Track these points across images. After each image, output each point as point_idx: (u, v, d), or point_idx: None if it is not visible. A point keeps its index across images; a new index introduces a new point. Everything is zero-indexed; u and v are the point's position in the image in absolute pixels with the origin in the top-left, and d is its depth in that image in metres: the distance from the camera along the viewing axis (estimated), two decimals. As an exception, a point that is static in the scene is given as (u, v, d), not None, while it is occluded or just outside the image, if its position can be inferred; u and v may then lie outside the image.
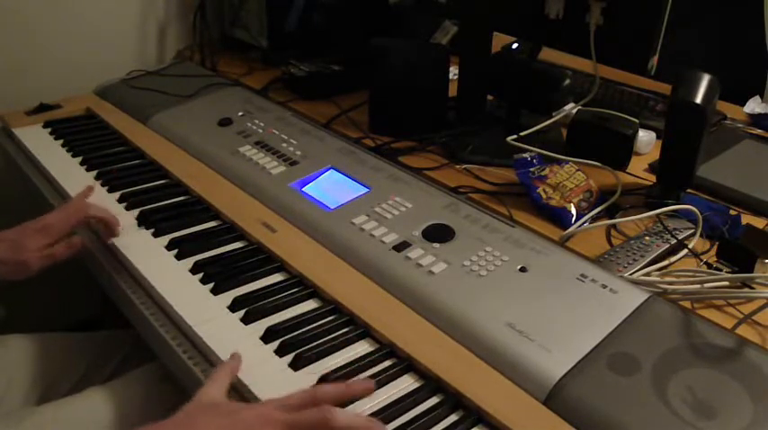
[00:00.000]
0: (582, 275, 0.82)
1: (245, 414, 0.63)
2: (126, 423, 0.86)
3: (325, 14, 1.52)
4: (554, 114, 1.21)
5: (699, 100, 0.96)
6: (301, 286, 0.87)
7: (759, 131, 1.32)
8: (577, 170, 1.06)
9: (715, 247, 0.92)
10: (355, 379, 0.71)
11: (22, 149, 1.24)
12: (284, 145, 1.15)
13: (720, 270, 0.89)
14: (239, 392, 0.72)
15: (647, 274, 0.88)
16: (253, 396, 0.70)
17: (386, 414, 0.68)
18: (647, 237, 0.94)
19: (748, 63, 1.60)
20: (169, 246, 0.94)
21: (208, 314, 0.82)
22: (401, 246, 0.89)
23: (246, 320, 0.81)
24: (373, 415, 0.68)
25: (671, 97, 0.99)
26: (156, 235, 0.97)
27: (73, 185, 1.09)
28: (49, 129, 1.29)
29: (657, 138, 1.21)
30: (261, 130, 1.21)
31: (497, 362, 0.73)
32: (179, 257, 0.92)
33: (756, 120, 1.35)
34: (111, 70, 1.49)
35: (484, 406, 0.68)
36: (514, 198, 1.05)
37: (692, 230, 0.96)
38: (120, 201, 1.06)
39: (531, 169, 1.05)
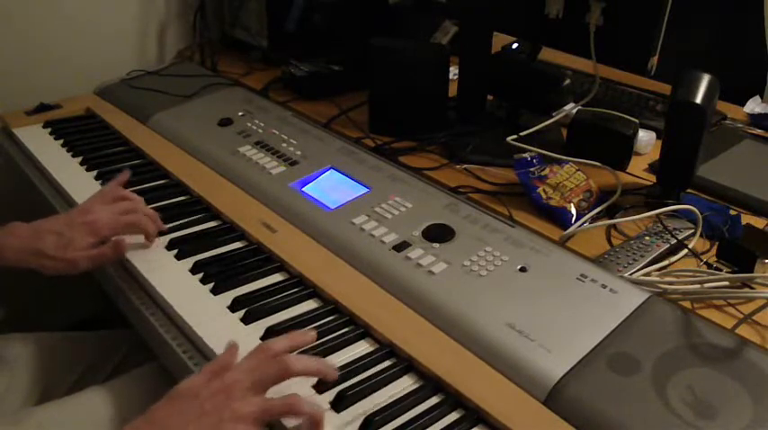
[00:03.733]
0: (582, 275, 0.82)
1: (207, 393, 0.63)
2: (125, 422, 0.85)
3: (325, 14, 1.52)
4: (554, 114, 1.21)
5: (699, 100, 0.96)
6: (301, 286, 0.87)
7: (759, 131, 1.32)
8: (577, 170, 1.06)
9: (715, 247, 0.92)
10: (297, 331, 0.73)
11: (22, 149, 1.24)
12: (284, 145, 1.15)
13: (720, 270, 0.89)
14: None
15: (647, 274, 0.88)
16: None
17: (386, 414, 0.68)
18: (647, 237, 0.94)
19: (748, 63, 1.60)
20: (169, 247, 0.94)
21: (208, 314, 0.82)
22: (401, 246, 0.89)
23: (246, 320, 0.81)
24: (373, 414, 0.68)
25: (671, 97, 0.99)
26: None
27: (73, 185, 1.09)
28: (49, 129, 1.29)
29: (657, 138, 1.21)
30: (261, 130, 1.21)
31: (497, 362, 0.73)
32: (179, 257, 0.92)
33: (756, 120, 1.35)
34: (111, 70, 1.49)
35: (484, 406, 0.68)
36: (514, 198, 1.05)
37: (692, 230, 0.96)
38: (120, 201, 1.06)
39: (531, 169, 1.05)
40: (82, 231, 0.87)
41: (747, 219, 1.00)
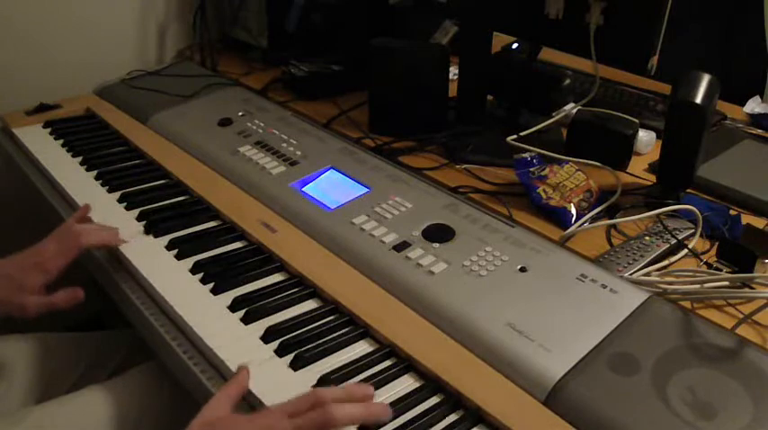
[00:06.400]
0: (582, 275, 0.82)
1: (246, 428, 0.62)
2: (125, 421, 0.86)
3: (325, 14, 1.52)
4: (554, 114, 1.21)
5: (699, 100, 0.96)
6: (301, 286, 0.87)
7: (759, 131, 1.32)
8: (577, 170, 1.06)
9: (715, 247, 0.92)
10: (355, 383, 0.72)
11: (22, 149, 1.24)
12: (284, 145, 1.15)
13: (720, 270, 0.89)
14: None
15: (647, 274, 0.88)
16: (253, 396, 0.70)
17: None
18: (647, 237, 0.94)
19: (748, 63, 1.60)
20: (169, 246, 0.94)
21: (208, 314, 0.82)
22: (401, 246, 0.89)
23: (246, 320, 0.81)
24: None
25: (671, 97, 0.99)
26: (156, 235, 0.97)
27: (73, 185, 1.10)
28: (49, 129, 1.29)
29: (657, 138, 1.21)
30: (261, 130, 1.21)
31: (497, 362, 0.73)
32: (179, 257, 0.92)
33: (756, 120, 1.35)
34: (111, 70, 1.49)
35: (484, 405, 0.68)
36: (514, 198, 1.05)
37: (692, 230, 0.96)
38: (120, 201, 1.06)
39: (531, 169, 1.05)
40: (33, 273, 0.86)
41: (747, 219, 1.00)
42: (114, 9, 1.50)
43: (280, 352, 0.76)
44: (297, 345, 0.77)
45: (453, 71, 1.35)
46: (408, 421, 0.68)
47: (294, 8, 1.50)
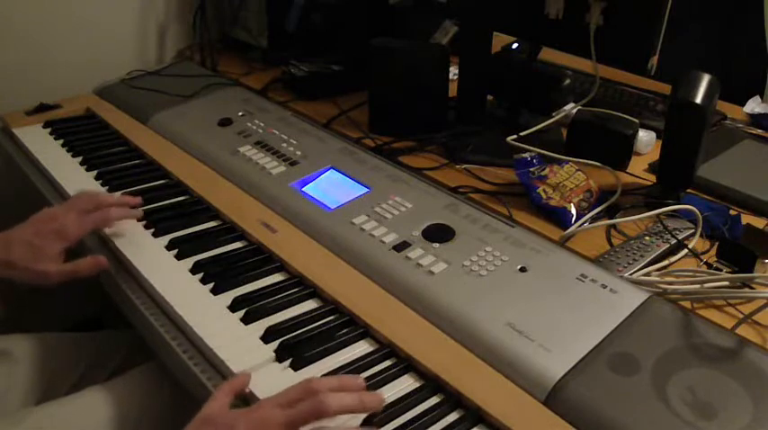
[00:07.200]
0: (582, 275, 0.82)
1: (241, 422, 0.62)
2: (125, 422, 0.86)
3: (325, 14, 1.52)
4: (554, 114, 1.21)
5: (699, 100, 0.96)
6: (301, 286, 0.87)
7: (759, 131, 1.32)
8: (577, 170, 1.06)
9: (715, 247, 0.92)
10: (348, 375, 0.72)
11: (22, 149, 1.24)
12: (284, 145, 1.16)
13: (720, 270, 0.89)
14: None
15: (647, 274, 0.88)
16: (253, 396, 0.70)
17: (386, 414, 0.68)
18: (647, 237, 0.94)
19: (748, 63, 1.60)
20: (169, 246, 0.94)
21: (208, 314, 0.82)
22: (401, 246, 0.89)
23: (246, 320, 0.81)
24: (373, 415, 0.68)
25: (671, 97, 0.99)
26: (155, 235, 0.96)
27: (73, 185, 1.09)
28: (49, 129, 1.29)
29: (657, 138, 1.22)
30: (261, 130, 1.21)
31: (497, 362, 0.73)
32: (179, 257, 0.92)
33: (756, 120, 1.35)
34: (111, 70, 1.49)
35: (484, 405, 0.68)
36: (514, 198, 1.05)
37: (692, 230, 0.96)
38: (120, 201, 1.06)
39: (531, 169, 1.05)
40: (50, 239, 0.85)
41: (747, 219, 1.00)
42: (114, 9, 1.50)
43: (280, 352, 0.76)
44: (297, 345, 0.77)
45: (453, 71, 1.35)
46: (408, 421, 0.68)
47: (294, 8, 1.50)
